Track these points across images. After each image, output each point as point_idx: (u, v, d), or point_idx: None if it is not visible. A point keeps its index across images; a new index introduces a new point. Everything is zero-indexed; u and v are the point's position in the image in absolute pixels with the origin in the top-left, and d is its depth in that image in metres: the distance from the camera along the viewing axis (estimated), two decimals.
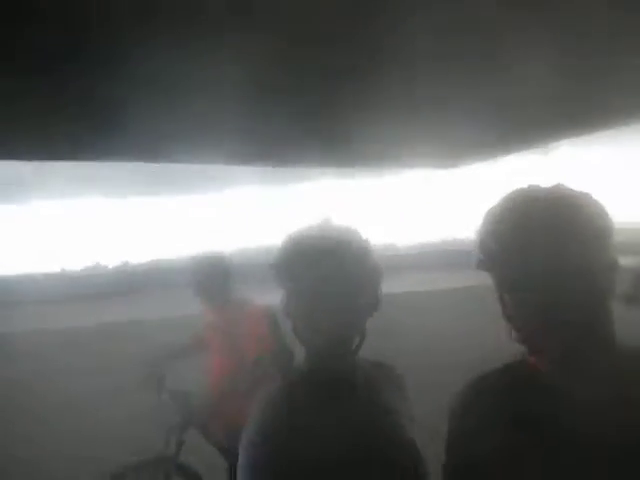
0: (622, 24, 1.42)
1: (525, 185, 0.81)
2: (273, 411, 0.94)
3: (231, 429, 2.34)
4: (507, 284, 0.79)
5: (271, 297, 2.82)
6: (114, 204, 24.24)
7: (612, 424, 0.71)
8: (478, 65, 1.81)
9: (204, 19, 1.25)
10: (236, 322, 2.30)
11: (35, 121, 2.00)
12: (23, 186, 19.64)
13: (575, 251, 0.74)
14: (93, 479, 2.42)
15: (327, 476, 0.87)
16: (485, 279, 0.83)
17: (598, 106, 2.42)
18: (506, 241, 0.77)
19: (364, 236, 1.01)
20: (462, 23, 1.38)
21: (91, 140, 2.30)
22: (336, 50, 1.59)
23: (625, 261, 0.91)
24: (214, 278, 2.35)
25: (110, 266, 22.99)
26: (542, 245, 0.74)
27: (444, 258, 18.97)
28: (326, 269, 0.91)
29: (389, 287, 1.00)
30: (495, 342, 1.52)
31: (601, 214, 0.78)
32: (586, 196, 0.79)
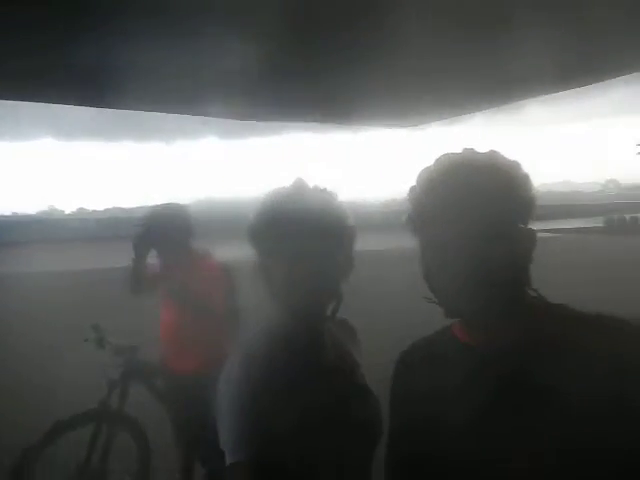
0: None
1: (460, 149, 0.82)
2: (254, 364, 0.93)
3: (177, 381, 2.35)
4: (426, 243, 0.80)
5: (231, 250, 2.77)
6: (73, 147, 23.20)
7: (531, 385, 0.73)
8: (446, 24, 1.80)
9: None
10: (193, 274, 2.27)
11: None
12: None
13: (494, 217, 0.75)
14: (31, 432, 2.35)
15: (308, 427, 0.90)
16: None
17: (568, 64, 2.45)
18: (428, 201, 0.78)
19: (339, 197, 1.02)
20: None
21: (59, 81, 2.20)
22: (311, 9, 1.56)
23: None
24: (173, 229, 2.30)
25: (67, 211, 22.27)
26: (462, 207, 0.75)
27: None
28: (306, 229, 0.92)
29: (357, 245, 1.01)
30: None
31: (525, 186, 0.79)
32: (514, 166, 0.79)
